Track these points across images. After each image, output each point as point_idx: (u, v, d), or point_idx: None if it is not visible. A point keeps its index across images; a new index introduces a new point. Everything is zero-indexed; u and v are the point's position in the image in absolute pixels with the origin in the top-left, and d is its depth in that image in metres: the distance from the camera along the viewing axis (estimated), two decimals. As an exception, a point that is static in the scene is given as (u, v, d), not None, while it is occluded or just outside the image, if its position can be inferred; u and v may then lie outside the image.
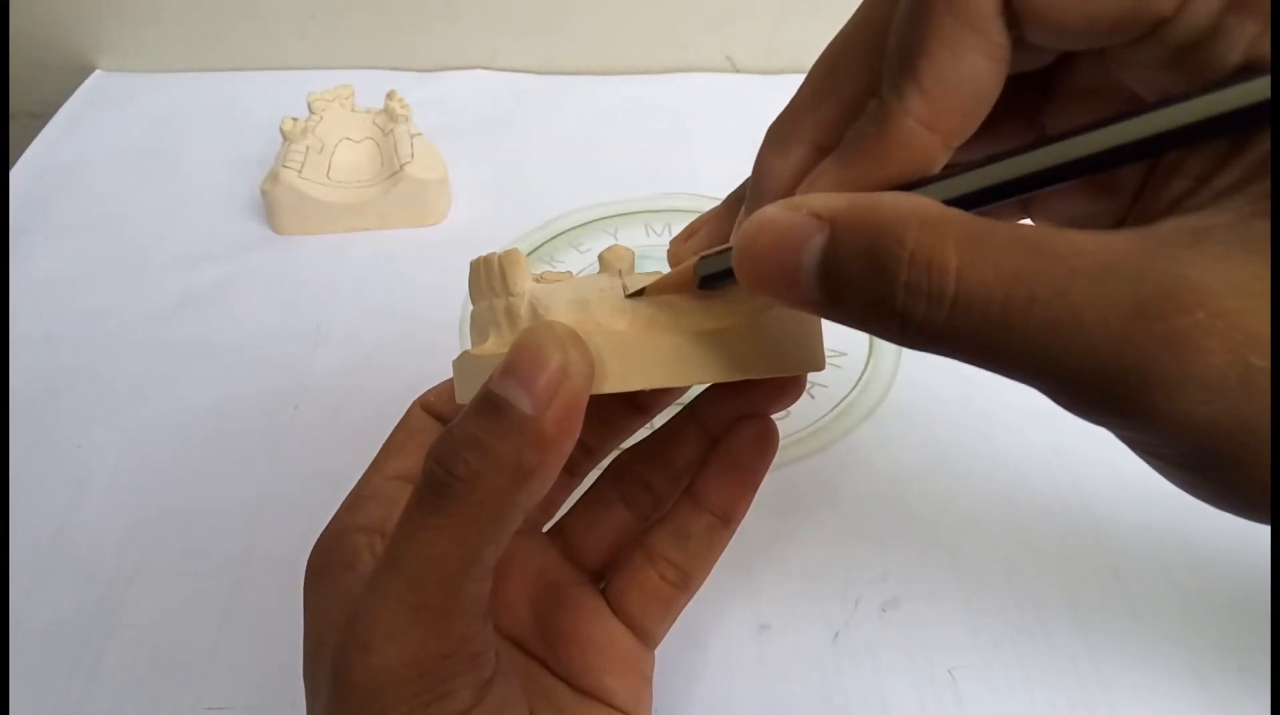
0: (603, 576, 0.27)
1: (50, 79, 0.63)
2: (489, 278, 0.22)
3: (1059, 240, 0.16)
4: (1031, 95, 0.21)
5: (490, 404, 0.19)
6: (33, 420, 0.40)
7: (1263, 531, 0.35)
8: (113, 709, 0.31)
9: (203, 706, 0.31)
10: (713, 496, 0.26)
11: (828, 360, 0.42)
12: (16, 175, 0.55)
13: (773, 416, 0.26)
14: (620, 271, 0.22)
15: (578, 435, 0.20)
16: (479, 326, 0.23)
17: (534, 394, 0.19)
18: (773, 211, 0.18)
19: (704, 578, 0.27)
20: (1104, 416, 0.16)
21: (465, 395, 0.23)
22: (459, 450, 0.19)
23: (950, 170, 0.18)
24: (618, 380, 0.21)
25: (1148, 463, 0.18)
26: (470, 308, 0.26)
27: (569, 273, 0.24)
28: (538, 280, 0.23)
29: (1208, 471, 0.16)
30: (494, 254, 0.22)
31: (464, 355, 0.22)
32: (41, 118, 0.60)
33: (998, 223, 0.16)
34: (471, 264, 0.23)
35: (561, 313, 0.21)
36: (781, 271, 0.18)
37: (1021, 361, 0.16)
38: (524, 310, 0.21)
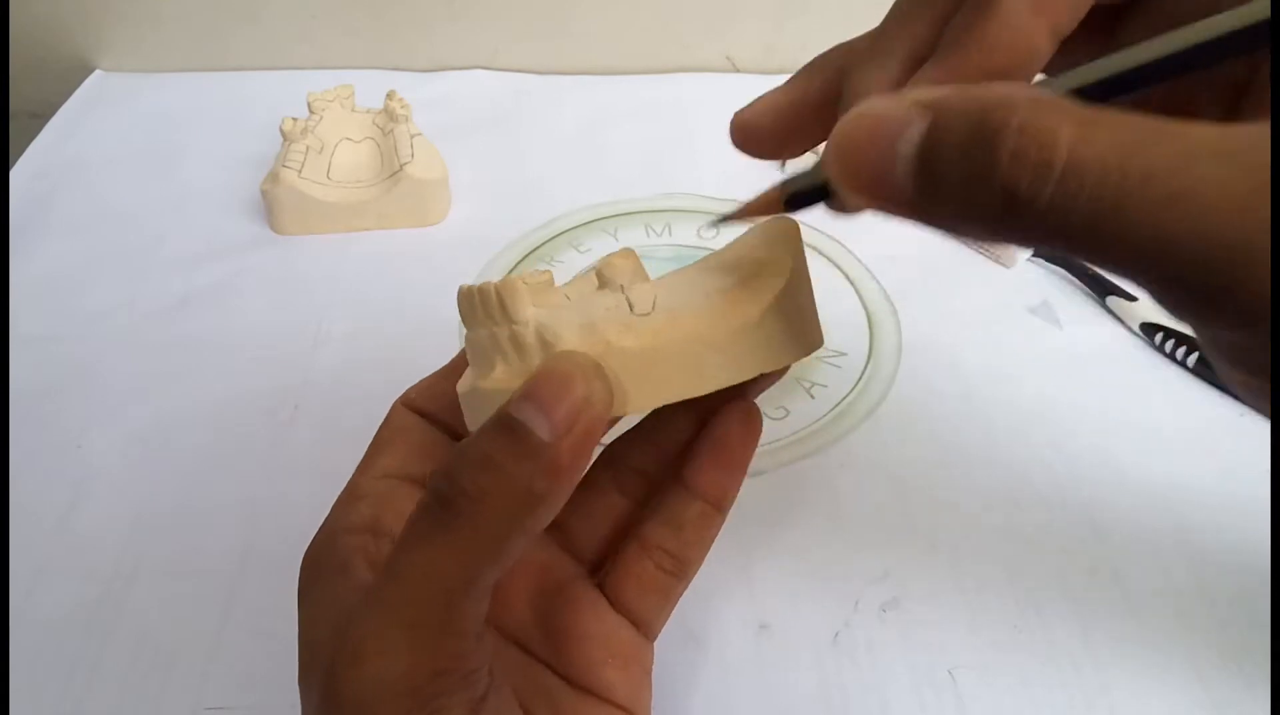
0: (600, 568, 0.27)
1: (50, 79, 0.63)
2: (486, 306, 0.22)
3: (1176, 125, 0.15)
4: (1116, 27, 0.21)
5: (506, 427, 0.19)
6: (33, 420, 0.40)
7: (1263, 531, 0.35)
8: (113, 709, 0.31)
9: (203, 706, 0.31)
10: (703, 483, 0.26)
11: (828, 361, 0.43)
12: (16, 175, 0.55)
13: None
14: (622, 286, 0.21)
15: (588, 466, 0.20)
16: (479, 354, 0.23)
17: (553, 421, 0.19)
18: (872, 102, 0.17)
19: (699, 564, 0.27)
20: (1212, 307, 0.15)
21: (475, 425, 0.23)
22: (470, 468, 0.19)
23: (1052, 72, 0.17)
24: (637, 401, 0.21)
25: (1241, 385, 0.17)
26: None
27: (549, 272, 0.24)
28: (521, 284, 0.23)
29: None
30: (489, 283, 0.22)
31: (474, 390, 0.22)
32: (41, 118, 0.60)
33: (1110, 110, 0.15)
34: (462, 292, 0.23)
35: (570, 338, 0.21)
36: (876, 163, 0.16)
37: (1132, 245, 0.15)
38: (531, 338, 0.21)
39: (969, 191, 0.16)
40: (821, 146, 0.19)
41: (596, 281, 0.23)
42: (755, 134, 0.23)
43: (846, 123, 0.17)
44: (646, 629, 0.27)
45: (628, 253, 0.27)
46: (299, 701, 0.22)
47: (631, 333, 0.21)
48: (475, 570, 0.19)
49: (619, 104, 0.61)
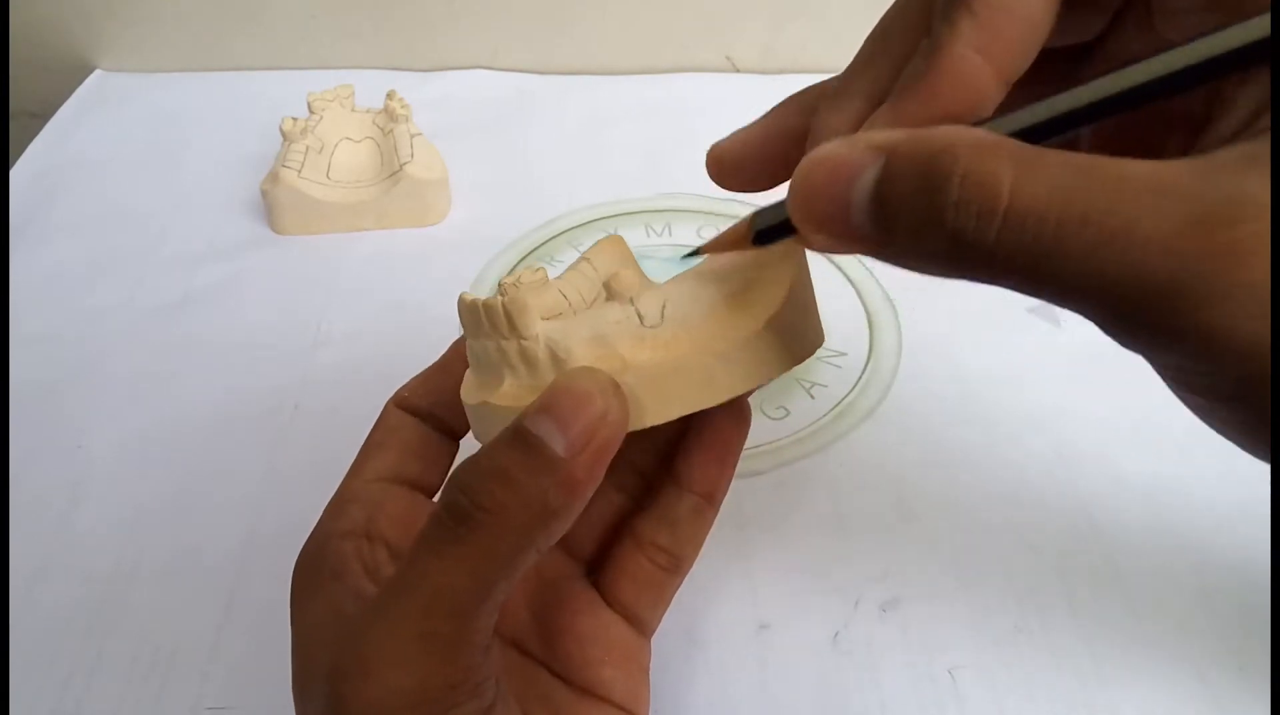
0: (595, 567, 0.27)
1: (50, 79, 0.63)
2: (493, 320, 0.22)
3: (1113, 164, 0.16)
4: (1074, 69, 0.21)
5: (522, 441, 0.19)
6: (33, 419, 0.40)
7: (1263, 531, 0.35)
8: (113, 709, 0.31)
9: (203, 706, 0.31)
10: (694, 477, 0.26)
11: (827, 361, 0.43)
12: (16, 175, 0.55)
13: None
14: (631, 298, 0.21)
15: (600, 482, 0.20)
16: (484, 364, 0.23)
17: (569, 436, 0.19)
18: (829, 147, 0.18)
19: (694, 559, 0.27)
20: (1153, 338, 0.16)
21: (485, 436, 0.23)
22: (486, 482, 0.19)
23: (1003, 111, 0.18)
24: (654, 414, 0.21)
25: (1192, 405, 0.17)
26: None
27: (543, 269, 0.24)
28: (515, 285, 0.23)
29: (1251, 403, 0.16)
30: (495, 300, 0.21)
31: (484, 404, 0.22)
32: (41, 117, 0.60)
33: (1052, 149, 0.16)
34: (465, 303, 0.22)
35: (582, 352, 0.21)
36: (834, 205, 0.17)
37: (1072, 280, 0.16)
38: (541, 354, 0.21)
39: (921, 234, 0.17)
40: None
41: (603, 290, 0.23)
42: (729, 168, 0.23)
43: (805, 166, 0.18)
44: (643, 626, 0.27)
45: (616, 240, 0.27)
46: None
47: (643, 346, 0.21)
48: (488, 583, 0.19)
49: (619, 104, 0.61)
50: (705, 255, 0.24)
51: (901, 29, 0.20)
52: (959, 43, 0.18)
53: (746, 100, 0.60)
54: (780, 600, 0.33)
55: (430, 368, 0.27)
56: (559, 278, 0.25)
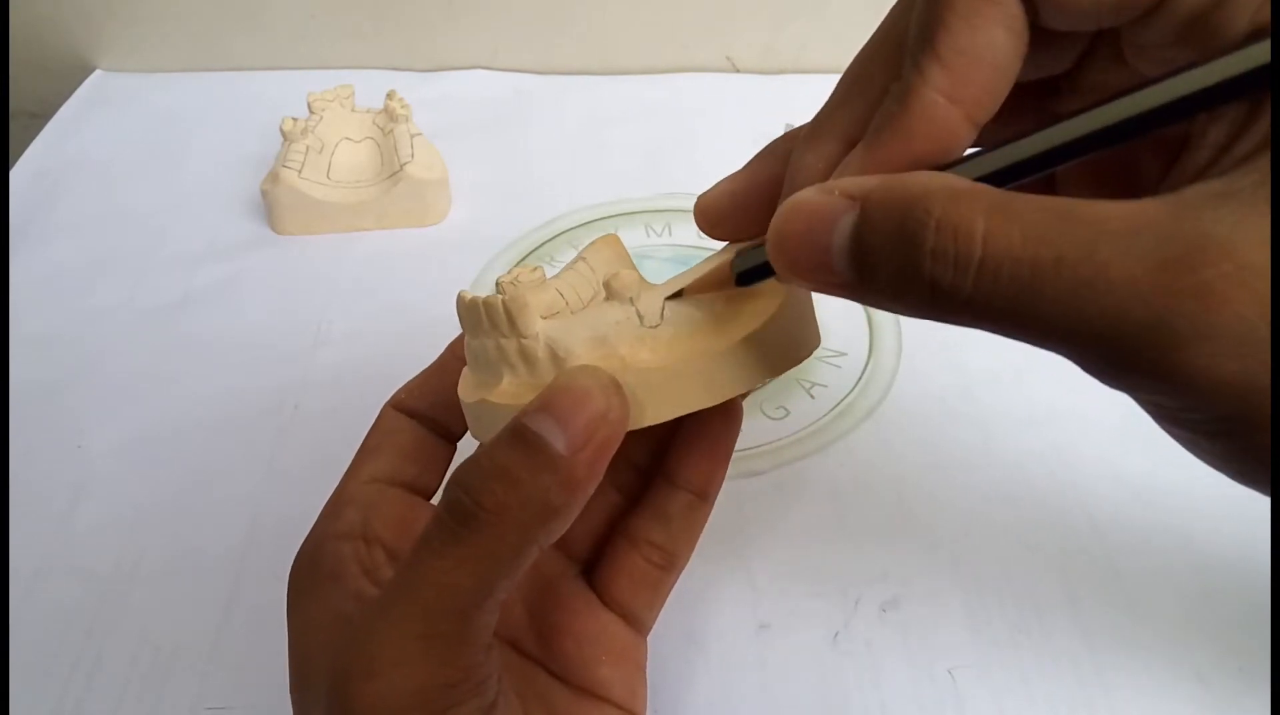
0: (591, 565, 0.27)
1: (50, 79, 0.63)
2: (493, 319, 0.22)
3: (1085, 207, 0.16)
4: (1048, 101, 0.22)
5: (523, 439, 0.19)
6: (33, 419, 0.40)
7: (1262, 531, 0.35)
8: (113, 709, 0.31)
9: (203, 706, 0.31)
10: (687, 474, 0.26)
11: (828, 361, 0.43)
12: (16, 175, 0.55)
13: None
14: (631, 298, 0.21)
15: (600, 480, 0.20)
16: (483, 362, 0.23)
17: (570, 434, 0.19)
18: (805, 195, 0.18)
19: (688, 556, 0.27)
20: (1133, 379, 0.16)
21: (483, 434, 0.23)
22: (487, 480, 0.19)
23: (975, 153, 0.18)
24: (653, 414, 0.21)
25: (1176, 437, 0.18)
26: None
27: (540, 268, 0.24)
28: (513, 283, 0.23)
29: (1235, 437, 0.16)
30: (495, 298, 0.21)
31: (483, 402, 0.22)
32: (41, 117, 0.60)
33: (1024, 194, 0.16)
34: (464, 301, 0.22)
35: (582, 352, 0.21)
36: (813, 253, 0.18)
37: (1050, 325, 0.16)
38: (541, 353, 0.21)
39: (899, 282, 0.17)
40: None
41: (603, 291, 0.22)
42: (715, 219, 0.24)
43: (781, 215, 0.18)
44: (639, 624, 0.27)
45: (612, 239, 0.27)
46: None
47: (643, 346, 0.21)
48: (490, 582, 0.20)
49: (619, 104, 0.61)
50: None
51: (874, 71, 0.21)
52: (928, 88, 0.18)
53: (747, 100, 0.61)
54: (780, 600, 0.33)
55: (427, 370, 0.27)
56: (556, 277, 0.25)
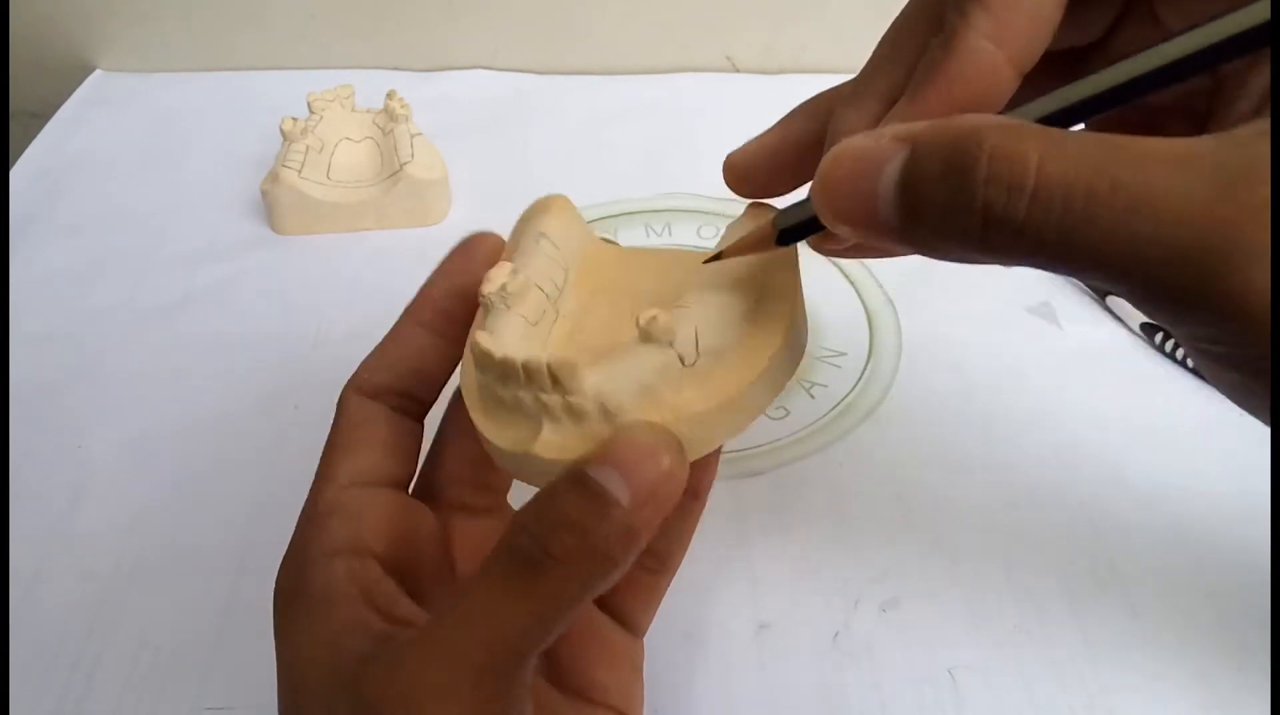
0: None
1: (50, 79, 0.63)
2: (534, 378, 0.21)
3: (1137, 141, 0.16)
4: (1077, 71, 0.22)
5: (587, 490, 0.19)
6: (33, 420, 0.40)
7: (1263, 530, 0.35)
8: (113, 709, 0.31)
9: (203, 706, 0.31)
10: None
11: (828, 361, 0.43)
12: (16, 175, 0.55)
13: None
14: (671, 343, 0.21)
15: (654, 535, 0.20)
16: (513, 407, 0.22)
17: (634, 489, 0.19)
18: (853, 140, 0.18)
19: (681, 557, 0.27)
20: (1185, 305, 0.16)
21: (521, 475, 0.22)
22: (555, 528, 0.19)
23: (1021, 101, 0.18)
24: (698, 449, 0.21)
25: (1222, 383, 0.17)
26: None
27: (508, 265, 0.24)
28: (500, 296, 0.23)
29: None
30: (538, 362, 0.21)
31: (529, 455, 0.21)
32: (41, 117, 0.59)
33: (1075, 132, 0.16)
34: (495, 359, 0.21)
35: (632, 405, 0.21)
36: (862, 198, 0.18)
37: (1103, 254, 0.16)
38: (591, 408, 0.21)
39: (950, 216, 0.17)
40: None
41: (638, 334, 0.22)
42: (745, 175, 0.24)
43: (829, 160, 0.18)
44: (634, 626, 0.27)
45: (560, 203, 0.26)
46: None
47: (687, 386, 0.21)
48: (549, 627, 0.20)
49: (619, 104, 0.61)
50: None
51: (911, 33, 0.21)
52: (972, 33, 0.18)
53: (747, 100, 0.61)
54: (780, 600, 0.33)
55: (383, 344, 0.26)
56: (526, 267, 0.24)
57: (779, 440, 0.39)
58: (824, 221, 0.19)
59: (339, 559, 0.22)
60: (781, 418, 0.40)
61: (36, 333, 0.44)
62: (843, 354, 0.43)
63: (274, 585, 0.23)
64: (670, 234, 0.50)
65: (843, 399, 0.41)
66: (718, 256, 0.22)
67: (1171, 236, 0.15)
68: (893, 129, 0.18)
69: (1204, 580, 0.34)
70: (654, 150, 0.56)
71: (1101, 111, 0.17)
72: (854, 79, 0.22)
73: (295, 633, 0.22)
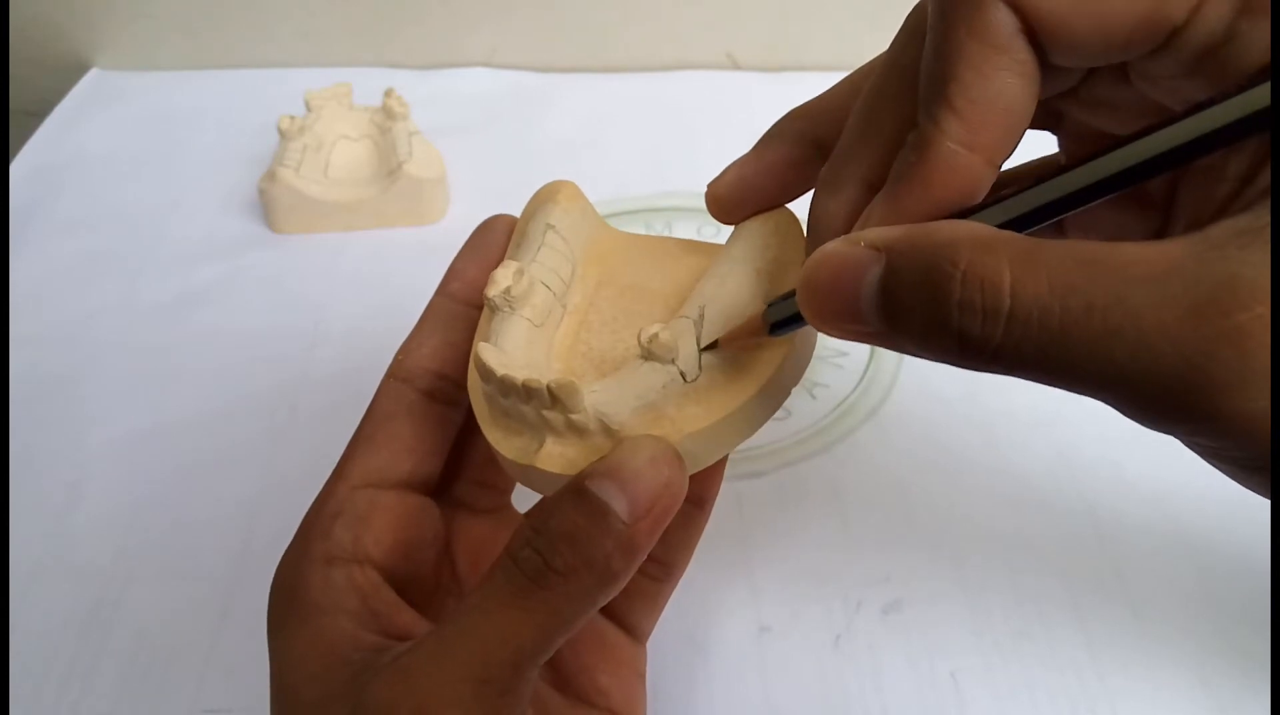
0: None
1: (47, 77, 0.63)
2: (534, 396, 0.21)
3: (1112, 252, 0.16)
4: (1053, 111, 0.22)
5: (585, 502, 0.20)
6: (30, 420, 0.40)
7: (1265, 534, 0.35)
8: (111, 709, 0.31)
9: (201, 708, 0.31)
10: None
11: (829, 361, 0.42)
12: (13, 174, 0.55)
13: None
14: (673, 360, 0.21)
15: (653, 547, 0.20)
16: (516, 418, 0.22)
17: (633, 503, 0.20)
18: (831, 247, 0.18)
19: (685, 565, 0.27)
20: (1171, 423, 0.16)
21: (524, 482, 0.23)
22: (557, 542, 0.20)
23: (998, 196, 0.18)
24: (701, 462, 0.21)
25: (1220, 470, 0.18)
26: None
27: (513, 264, 0.23)
28: (506, 299, 0.23)
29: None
30: (538, 383, 0.21)
31: (532, 468, 0.21)
32: (38, 116, 0.59)
33: (1049, 240, 0.16)
34: (497, 377, 0.21)
35: (633, 422, 0.21)
36: (843, 304, 0.18)
37: (1082, 372, 0.16)
38: (592, 425, 0.21)
39: (928, 333, 0.17)
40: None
41: (640, 352, 0.22)
42: (728, 206, 0.24)
43: (811, 266, 0.18)
44: (637, 632, 0.27)
45: (570, 192, 0.26)
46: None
47: (688, 402, 0.21)
48: (552, 639, 0.20)
49: (619, 102, 0.61)
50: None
51: (886, 106, 0.21)
52: (944, 139, 0.18)
53: (747, 98, 0.61)
54: (781, 602, 0.33)
55: (417, 325, 0.26)
56: (534, 263, 0.24)
57: (781, 441, 0.39)
58: (810, 323, 0.19)
59: (339, 566, 0.22)
60: (783, 419, 0.40)
61: (34, 331, 0.44)
62: (845, 354, 0.43)
63: (271, 583, 0.23)
64: (671, 232, 0.50)
65: (845, 399, 0.41)
66: (713, 346, 0.22)
67: (1150, 360, 0.15)
68: (870, 236, 0.18)
69: (1207, 583, 0.34)
70: (654, 148, 0.56)
71: (1084, 206, 0.17)
72: (831, 159, 0.22)
73: (289, 638, 0.22)
